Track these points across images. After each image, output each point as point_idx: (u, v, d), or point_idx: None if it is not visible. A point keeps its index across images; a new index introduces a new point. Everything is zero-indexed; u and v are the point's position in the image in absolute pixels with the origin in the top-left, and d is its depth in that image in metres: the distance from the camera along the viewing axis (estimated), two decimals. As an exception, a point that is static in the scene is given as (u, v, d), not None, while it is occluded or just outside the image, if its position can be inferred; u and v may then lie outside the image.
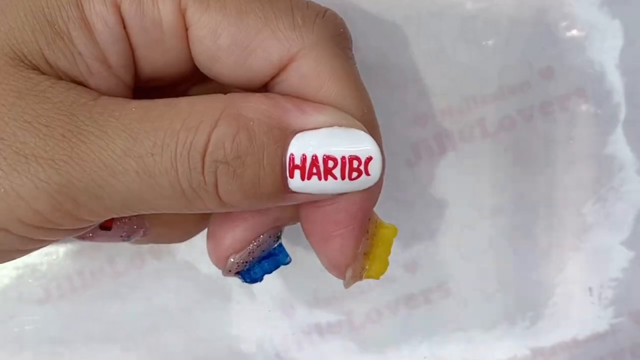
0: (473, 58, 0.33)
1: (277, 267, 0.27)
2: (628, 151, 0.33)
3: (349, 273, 0.25)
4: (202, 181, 0.22)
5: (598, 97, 0.33)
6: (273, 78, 0.24)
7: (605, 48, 0.33)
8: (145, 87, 0.26)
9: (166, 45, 0.24)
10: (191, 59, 0.24)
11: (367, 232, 0.25)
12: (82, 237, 0.26)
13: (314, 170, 0.23)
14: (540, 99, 0.33)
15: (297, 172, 0.23)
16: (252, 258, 0.26)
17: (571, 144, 0.34)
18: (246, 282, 0.27)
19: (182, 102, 0.23)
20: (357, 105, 0.24)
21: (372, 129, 0.24)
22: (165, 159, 0.22)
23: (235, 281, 0.27)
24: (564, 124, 0.33)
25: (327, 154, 0.23)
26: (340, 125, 0.23)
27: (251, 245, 0.26)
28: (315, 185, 0.23)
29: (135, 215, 0.26)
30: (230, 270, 0.26)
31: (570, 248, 0.35)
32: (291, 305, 0.35)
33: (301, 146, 0.23)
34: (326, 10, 0.24)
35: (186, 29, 0.24)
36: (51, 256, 0.35)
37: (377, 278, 0.26)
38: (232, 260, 0.26)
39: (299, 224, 0.26)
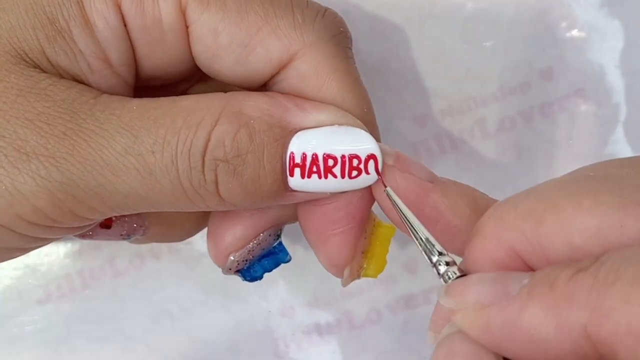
0: (473, 59, 0.33)
1: (277, 265, 0.27)
2: (628, 151, 0.33)
3: (347, 272, 0.25)
4: (202, 179, 0.22)
5: (598, 97, 0.33)
6: (273, 77, 0.24)
7: (605, 49, 0.33)
8: (146, 86, 0.26)
9: (167, 44, 0.24)
10: (192, 57, 0.24)
11: (366, 231, 0.25)
12: (82, 236, 0.26)
13: (314, 169, 0.23)
14: (540, 99, 0.33)
15: (297, 171, 0.23)
16: (252, 256, 0.26)
17: (571, 144, 0.34)
18: (246, 280, 0.27)
19: (184, 101, 0.23)
20: (357, 104, 0.24)
21: (372, 128, 0.24)
22: (166, 156, 0.22)
23: (236, 281, 0.27)
24: (564, 124, 0.33)
25: (327, 152, 0.23)
26: (340, 124, 0.23)
27: (251, 243, 0.26)
28: (315, 183, 0.23)
29: (135, 214, 0.26)
30: (230, 269, 0.26)
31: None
32: (291, 305, 0.35)
33: (301, 144, 0.23)
34: (326, 9, 0.24)
35: (187, 28, 0.24)
36: (51, 256, 0.35)
37: (375, 277, 0.26)
38: (232, 258, 0.26)
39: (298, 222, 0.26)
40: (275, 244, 0.27)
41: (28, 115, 0.22)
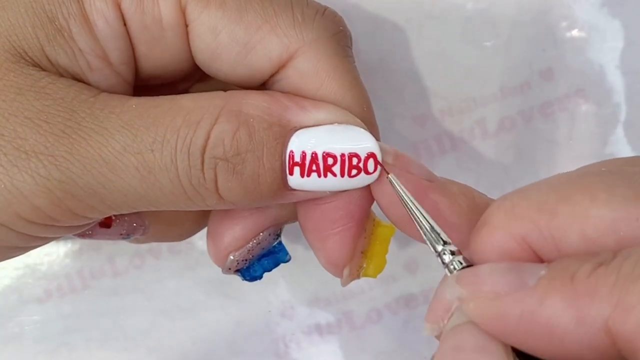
0: (473, 59, 0.33)
1: (277, 264, 0.27)
2: (628, 151, 0.33)
3: (346, 271, 0.25)
4: (201, 178, 0.22)
5: (598, 97, 0.33)
6: (273, 75, 0.24)
7: (605, 49, 0.33)
8: (146, 85, 0.26)
9: (166, 43, 0.24)
10: (191, 56, 0.24)
11: (365, 230, 0.25)
12: (82, 235, 0.26)
13: (314, 168, 0.23)
14: (540, 99, 0.33)
15: (296, 169, 0.23)
16: (252, 256, 0.26)
17: (571, 144, 0.34)
18: (246, 279, 0.27)
19: (183, 99, 0.23)
20: (356, 103, 0.24)
21: (371, 127, 0.24)
22: (166, 155, 0.22)
23: (236, 281, 0.27)
24: (564, 124, 0.33)
25: (327, 151, 0.23)
26: (340, 123, 0.23)
27: (251, 243, 0.26)
28: (314, 182, 0.23)
29: (134, 213, 0.26)
30: (230, 268, 0.26)
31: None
32: (291, 305, 0.35)
33: (301, 143, 0.23)
34: (326, 8, 0.25)
35: (186, 26, 0.24)
36: (51, 256, 0.35)
37: (375, 277, 0.26)
38: (231, 258, 0.26)
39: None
40: (275, 243, 0.27)
41: (27, 114, 0.22)
